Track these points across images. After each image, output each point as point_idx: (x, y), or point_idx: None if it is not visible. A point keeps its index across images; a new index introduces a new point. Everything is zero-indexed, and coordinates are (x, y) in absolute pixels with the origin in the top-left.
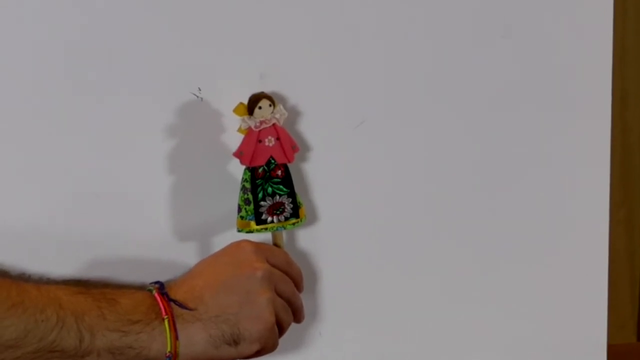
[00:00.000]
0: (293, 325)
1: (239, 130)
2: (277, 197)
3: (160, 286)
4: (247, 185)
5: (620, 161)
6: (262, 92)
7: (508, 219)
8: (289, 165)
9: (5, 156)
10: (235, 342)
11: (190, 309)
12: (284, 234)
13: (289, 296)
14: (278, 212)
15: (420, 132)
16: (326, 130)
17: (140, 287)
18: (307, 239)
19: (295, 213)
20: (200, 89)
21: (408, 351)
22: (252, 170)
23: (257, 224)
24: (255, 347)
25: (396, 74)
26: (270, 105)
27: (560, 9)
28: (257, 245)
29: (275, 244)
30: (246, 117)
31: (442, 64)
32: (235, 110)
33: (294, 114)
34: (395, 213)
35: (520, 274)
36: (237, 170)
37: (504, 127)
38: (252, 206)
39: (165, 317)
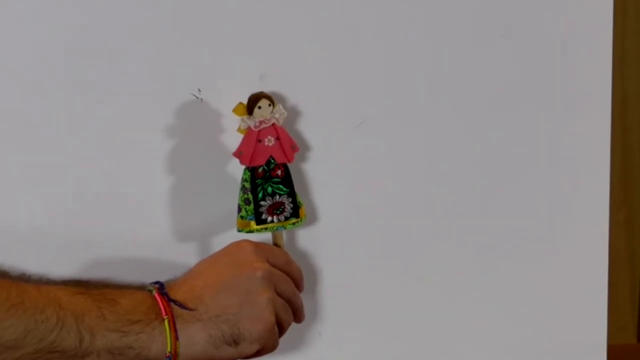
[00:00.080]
0: (293, 325)
1: (239, 130)
2: (277, 196)
3: (160, 286)
4: (247, 185)
5: (620, 161)
6: (262, 92)
7: (508, 219)
8: (288, 165)
9: (5, 156)
10: (235, 342)
11: (190, 309)
12: (284, 234)
13: (289, 296)
14: (278, 212)
15: (420, 132)
16: (326, 130)
17: (140, 288)
18: (307, 239)
19: (295, 213)
20: (200, 90)
21: (408, 351)
22: (252, 170)
23: (257, 223)
24: (255, 347)
25: (396, 74)
26: (269, 105)
27: (560, 9)
28: (257, 245)
29: (275, 244)
30: (246, 117)
31: (442, 64)
32: (235, 110)
33: (293, 113)
34: (395, 213)
35: (520, 274)
36: (237, 170)
37: (504, 127)
38: (252, 206)
39: (165, 317)
